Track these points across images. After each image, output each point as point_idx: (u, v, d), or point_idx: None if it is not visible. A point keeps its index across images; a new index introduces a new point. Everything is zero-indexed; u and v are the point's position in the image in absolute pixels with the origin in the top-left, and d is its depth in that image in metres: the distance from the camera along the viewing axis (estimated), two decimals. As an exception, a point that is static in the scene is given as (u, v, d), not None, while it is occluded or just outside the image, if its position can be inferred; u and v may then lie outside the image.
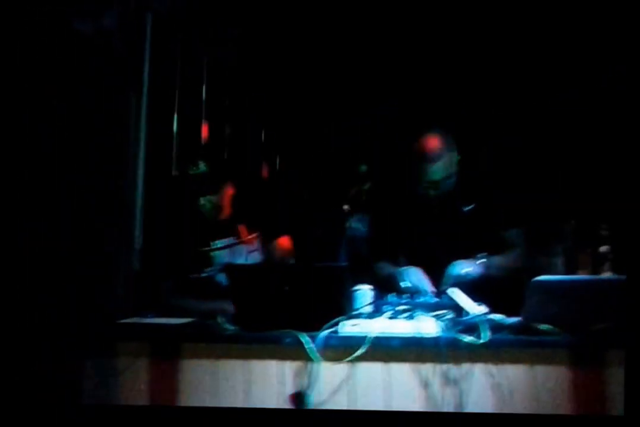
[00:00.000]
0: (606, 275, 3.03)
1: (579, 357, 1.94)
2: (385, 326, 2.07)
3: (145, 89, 3.19)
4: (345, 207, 3.51)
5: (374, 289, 2.34)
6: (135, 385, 2.18)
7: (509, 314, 2.18)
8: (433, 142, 2.55)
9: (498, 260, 2.50)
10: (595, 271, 3.11)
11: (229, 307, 2.49)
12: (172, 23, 3.40)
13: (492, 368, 1.99)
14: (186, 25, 3.50)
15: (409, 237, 2.65)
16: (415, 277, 2.44)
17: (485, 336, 1.96)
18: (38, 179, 2.81)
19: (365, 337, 2.02)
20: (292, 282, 2.15)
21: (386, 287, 2.34)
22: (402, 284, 2.39)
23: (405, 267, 2.50)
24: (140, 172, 3.11)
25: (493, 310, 2.21)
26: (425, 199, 2.60)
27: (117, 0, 3.17)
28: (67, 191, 2.95)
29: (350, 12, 3.60)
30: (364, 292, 2.31)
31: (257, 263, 2.73)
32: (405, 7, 3.54)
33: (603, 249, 3.05)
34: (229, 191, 2.88)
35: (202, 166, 2.70)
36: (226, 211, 2.88)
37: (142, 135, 3.15)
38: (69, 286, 2.76)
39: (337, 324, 2.10)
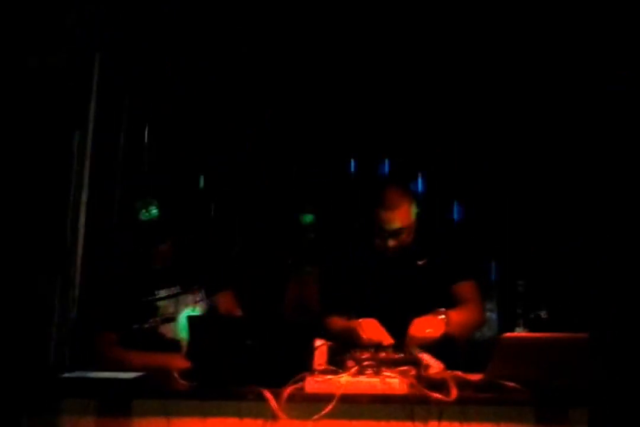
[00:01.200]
0: (520, 330, 3.14)
1: (544, 415, 1.96)
2: (351, 382, 2.04)
3: (90, 128, 3.11)
4: (289, 260, 3.47)
5: (332, 344, 2.31)
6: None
7: (463, 370, 2.20)
8: (393, 190, 2.57)
9: (457, 316, 2.52)
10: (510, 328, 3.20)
11: (180, 360, 2.40)
12: (121, 63, 3.35)
13: (459, 426, 1.98)
14: (135, 65, 3.44)
15: (363, 290, 2.64)
16: (373, 328, 2.42)
17: (454, 393, 1.96)
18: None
19: (331, 394, 1.98)
20: (256, 336, 2.09)
21: (342, 340, 2.29)
22: (363, 336, 2.36)
23: (361, 319, 2.47)
24: (82, 215, 2.99)
25: (449, 365, 2.22)
26: (381, 251, 2.61)
27: (66, 39, 3.10)
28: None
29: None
30: (326, 347, 2.27)
31: (221, 315, 2.64)
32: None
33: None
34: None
35: (153, 212, 2.59)
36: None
37: (86, 176, 3.04)
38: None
39: (301, 380, 2.05)
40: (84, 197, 3.04)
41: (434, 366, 2.19)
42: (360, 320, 2.48)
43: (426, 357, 2.24)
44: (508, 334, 2.03)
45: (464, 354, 2.62)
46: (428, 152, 3.81)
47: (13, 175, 2.87)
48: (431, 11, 3.49)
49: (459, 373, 2.14)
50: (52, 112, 3.02)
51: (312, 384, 2.03)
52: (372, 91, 3.79)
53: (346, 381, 2.03)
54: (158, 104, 3.66)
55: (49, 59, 3.00)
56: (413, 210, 2.60)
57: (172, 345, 2.64)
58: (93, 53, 3.24)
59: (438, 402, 1.96)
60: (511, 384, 1.99)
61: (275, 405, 1.98)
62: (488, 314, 3.36)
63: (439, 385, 2.03)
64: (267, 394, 1.99)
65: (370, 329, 2.43)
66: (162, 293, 2.78)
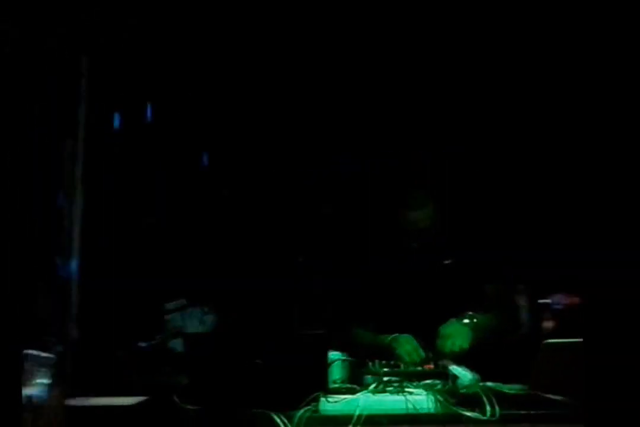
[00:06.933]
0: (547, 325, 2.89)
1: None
2: (372, 401, 1.79)
3: (81, 135, 2.92)
4: (300, 259, 3.22)
5: (349, 358, 2.08)
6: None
7: (498, 379, 1.95)
8: (419, 188, 2.43)
9: (485, 321, 2.28)
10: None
11: (187, 381, 2.20)
12: (110, 65, 3.14)
13: (497, 448, 1.73)
14: (125, 67, 3.23)
15: (386, 296, 2.40)
16: (410, 345, 2.18)
17: (493, 410, 1.71)
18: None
19: (350, 415, 1.74)
20: (263, 353, 1.86)
21: (369, 356, 2.04)
22: (401, 354, 2.13)
23: (396, 335, 2.24)
24: (77, 225, 2.80)
25: (482, 376, 1.97)
26: (404, 253, 2.38)
27: (50, 43, 2.91)
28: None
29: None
30: (340, 362, 2.03)
31: (220, 331, 2.43)
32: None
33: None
34: None
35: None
36: None
37: (79, 185, 2.85)
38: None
39: (315, 400, 1.81)
40: (79, 207, 2.84)
41: (466, 377, 1.93)
42: (395, 336, 2.25)
43: (456, 368, 1.97)
44: (551, 340, 1.77)
45: (498, 360, 2.37)
46: (451, 143, 3.54)
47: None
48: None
49: (495, 385, 1.89)
50: (39, 120, 2.83)
51: (327, 405, 1.80)
52: (383, 80, 3.54)
53: (366, 400, 1.79)
54: (153, 105, 3.44)
55: (33, 64, 2.81)
56: (436, 209, 2.41)
57: (182, 361, 2.44)
58: (79, 56, 3.04)
59: (473, 421, 1.72)
60: (558, 397, 1.73)
61: (287, 431, 1.75)
62: (523, 313, 3.08)
63: (473, 401, 1.78)
64: (278, 418, 1.76)
65: (407, 345, 2.19)
66: (169, 306, 2.62)
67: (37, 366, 1.81)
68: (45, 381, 1.79)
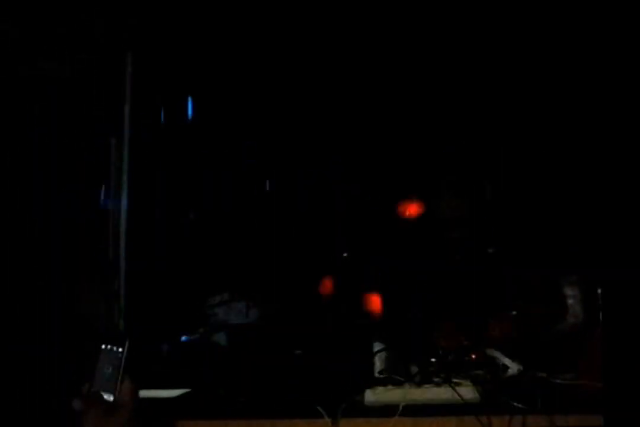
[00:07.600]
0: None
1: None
2: (417, 392, 1.78)
3: (126, 133, 2.96)
4: (345, 254, 3.21)
5: (394, 349, 2.06)
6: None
7: (546, 370, 1.92)
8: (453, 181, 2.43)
9: (533, 310, 2.24)
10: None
11: (231, 374, 2.21)
12: (156, 62, 3.17)
13: (546, 438, 1.70)
14: (171, 63, 3.25)
15: (432, 286, 2.39)
16: (450, 331, 2.16)
17: (541, 400, 1.67)
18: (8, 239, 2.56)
19: (395, 406, 1.73)
20: (305, 345, 1.86)
21: (410, 346, 2.04)
22: (439, 339, 2.12)
23: (437, 322, 2.23)
24: (123, 222, 2.85)
25: (529, 366, 1.93)
26: (447, 243, 2.36)
27: (93, 39, 2.96)
28: (41, 247, 2.69)
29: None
30: (385, 353, 2.02)
31: (263, 323, 2.44)
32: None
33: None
34: None
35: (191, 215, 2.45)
36: None
37: (125, 183, 2.90)
38: (43, 352, 2.46)
39: (360, 392, 1.81)
40: (124, 205, 2.89)
41: (514, 368, 1.90)
42: (434, 323, 2.23)
43: (502, 358, 1.94)
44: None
45: (545, 350, 2.32)
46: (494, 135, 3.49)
47: (48, 186, 2.75)
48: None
49: (543, 375, 1.86)
50: (84, 120, 2.88)
51: (372, 395, 1.80)
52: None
53: (411, 391, 1.79)
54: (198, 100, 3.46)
55: (75, 61, 2.86)
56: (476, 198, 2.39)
57: (225, 353, 2.46)
58: (124, 53, 3.08)
59: (519, 411, 1.69)
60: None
61: (331, 422, 1.75)
62: (571, 301, 3.01)
63: (519, 391, 1.75)
64: (321, 410, 1.76)
65: (447, 331, 2.17)
66: (213, 299, 2.64)
67: (110, 359, 1.84)
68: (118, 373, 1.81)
